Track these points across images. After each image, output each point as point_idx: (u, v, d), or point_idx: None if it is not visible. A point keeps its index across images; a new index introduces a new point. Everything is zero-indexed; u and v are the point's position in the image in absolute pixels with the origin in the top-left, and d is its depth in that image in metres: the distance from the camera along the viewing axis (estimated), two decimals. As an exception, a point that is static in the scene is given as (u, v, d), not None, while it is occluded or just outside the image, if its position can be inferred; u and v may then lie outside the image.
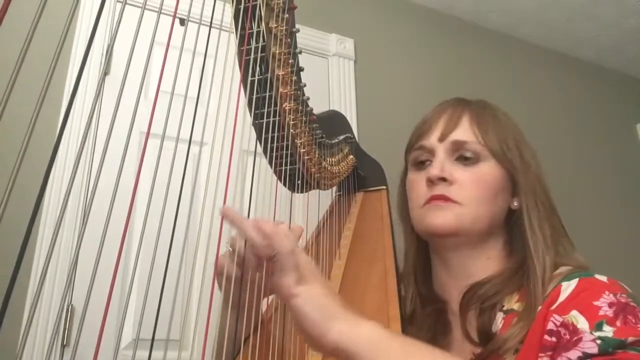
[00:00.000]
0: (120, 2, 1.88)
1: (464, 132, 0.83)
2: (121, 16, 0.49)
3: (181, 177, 0.54)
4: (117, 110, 0.46)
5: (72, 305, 1.54)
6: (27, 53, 0.34)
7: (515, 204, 0.83)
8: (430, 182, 0.81)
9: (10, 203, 0.32)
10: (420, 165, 0.86)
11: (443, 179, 0.80)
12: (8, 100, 0.31)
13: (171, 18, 0.55)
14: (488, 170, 0.82)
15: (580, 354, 0.60)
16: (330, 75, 2.31)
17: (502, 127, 0.85)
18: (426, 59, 2.65)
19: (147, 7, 0.49)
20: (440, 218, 0.79)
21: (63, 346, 1.52)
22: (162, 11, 0.51)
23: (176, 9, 0.53)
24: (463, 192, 0.80)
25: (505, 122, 0.86)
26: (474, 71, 2.73)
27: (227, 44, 0.67)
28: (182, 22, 0.58)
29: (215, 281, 0.65)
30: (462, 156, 0.83)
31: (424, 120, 0.89)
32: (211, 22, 0.59)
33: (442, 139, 0.84)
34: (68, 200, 1.66)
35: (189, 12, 0.54)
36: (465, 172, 0.81)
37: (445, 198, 0.80)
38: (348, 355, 0.51)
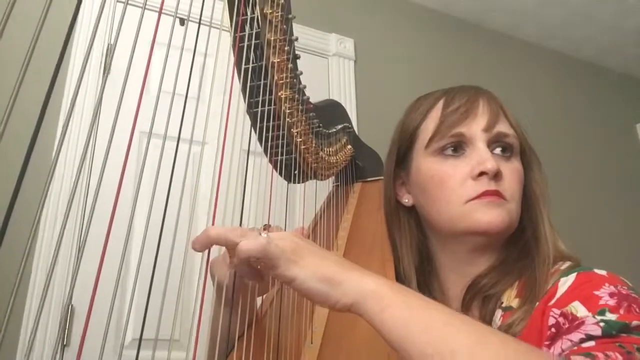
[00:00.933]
0: (120, 1, 1.88)
1: (506, 124, 0.80)
2: (111, 12, 0.49)
3: (178, 176, 0.54)
4: (98, 107, 0.45)
5: (72, 305, 1.54)
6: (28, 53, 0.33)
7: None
8: (482, 174, 0.75)
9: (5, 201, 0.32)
10: (449, 154, 0.80)
11: (497, 174, 0.76)
12: (13, 106, 0.30)
13: (170, 17, 0.55)
14: (518, 165, 0.80)
15: (582, 336, 0.58)
16: (330, 75, 2.31)
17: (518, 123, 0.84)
18: (426, 58, 2.65)
19: (146, 6, 0.49)
20: (496, 216, 0.74)
21: (63, 346, 1.52)
22: (163, 11, 0.51)
23: (162, 6, 0.53)
24: (509, 188, 0.77)
25: None
26: (474, 71, 2.73)
27: (218, 41, 0.67)
28: (182, 22, 0.58)
29: (209, 275, 0.65)
30: (501, 149, 0.79)
31: (452, 106, 0.81)
32: (200, 19, 0.59)
33: (487, 129, 0.78)
34: (71, 202, 1.65)
35: (176, 9, 0.54)
36: (506, 166, 0.78)
37: (499, 194, 0.75)
38: (360, 313, 0.52)
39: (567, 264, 0.73)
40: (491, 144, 0.79)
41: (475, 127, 0.79)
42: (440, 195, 0.79)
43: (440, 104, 0.83)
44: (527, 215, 0.80)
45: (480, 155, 0.76)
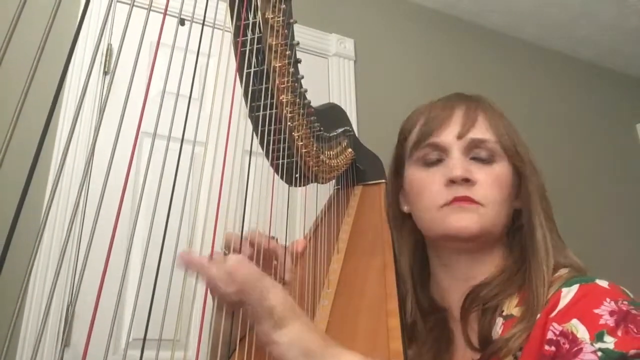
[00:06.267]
0: (121, 2, 1.88)
1: (482, 130, 0.81)
2: (111, 13, 0.49)
3: (182, 177, 0.54)
4: (101, 110, 0.46)
5: (71, 305, 1.54)
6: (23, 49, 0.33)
7: (517, 204, 0.82)
8: (452, 182, 0.78)
9: (9, 204, 0.32)
10: (430, 162, 0.82)
11: (466, 180, 0.77)
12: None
13: (170, 18, 0.55)
14: (502, 170, 0.80)
15: None
16: (330, 75, 2.31)
17: (510, 126, 0.84)
18: (426, 58, 2.65)
19: (144, 6, 0.49)
20: (466, 220, 0.76)
21: (63, 346, 1.52)
22: (160, 11, 0.51)
23: (166, 7, 0.53)
24: (484, 193, 0.77)
25: (509, 121, 0.85)
26: (474, 71, 2.73)
27: (222, 41, 0.67)
28: (182, 22, 0.58)
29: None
30: (479, 155, 0.80)
31: (430, 115, 0.84)
32: (204, 20, 0.59)
33: (460, 136, 0.80)
34: (68, 201, 1.64)
35: (182, 9, 0.54)
36: (483, 172, 0.79)
37: (469, 199, 0.77)
38: None
39: (568, 270, 0.73)
40: (468, 150, 0.80)
41: (449, 136, 0.81)
42: (421, 203, 0.82)
43: (425, 115, 0.86)
44: (524, 220, 0.81)
45: (452, 163, 0.79)
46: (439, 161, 0.81)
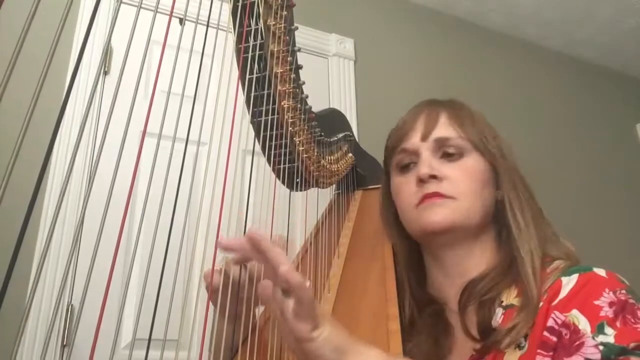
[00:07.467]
0: (125, 3, 1.88)
1: (445, 129, 0.85)
2: (117, 14, 0.49)
3: (181, 177, 0.54)
4: (111, 109, 0.46)
5: (72, 305, 1.54)
6: (24, 50, 0.34)
7: (499, 196, 0.84)
8: (421, 181, 0.82)
9: (9, 202, 0.32)
10: (405, 168, 0.87)
11: (433, 177, 0.81)
12: (3, 94, 0.31)
13: (172, 17, 0.56)
14: (473, 163, 0.84)
15: None
16: (330, 75, 2.31)
17: (478, 121, 0.87)
18: (426, 58, 2.65)
19: (147, 6, 0.49)
20: (437, 215, 0.79)
21: (63, 346, 1.52)
22: (163, 11, 0.51)
23: (172, 7, 0.53)
24: (454, 186, 0.81)
25: (479, 117, 0.89)
26: (474, 71, 2.73)
27: (225, 42, 0.67)
28: (181, 21, 0.58)
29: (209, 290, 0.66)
30: (447, 152, 0.84)
31: (400, 124, 0.90)
32: (208, 21, 0.59)
33: (424, 138, 0.85)
34: (68, 200, 1.64)
35: (189, 11, 0.55)
36: (452, 167, 0.82)
37: (438, 195, 0.80)
38: None
39: (564, 262, 0.75)
40: (436, 150, 0.85)
41: (415, 139, 0.86)
42: (400, 205, 0.87)
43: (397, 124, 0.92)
44: (508, 217, 0.82)
45: (420, 164, 0.83)
46: (412, 165, 0.86)
